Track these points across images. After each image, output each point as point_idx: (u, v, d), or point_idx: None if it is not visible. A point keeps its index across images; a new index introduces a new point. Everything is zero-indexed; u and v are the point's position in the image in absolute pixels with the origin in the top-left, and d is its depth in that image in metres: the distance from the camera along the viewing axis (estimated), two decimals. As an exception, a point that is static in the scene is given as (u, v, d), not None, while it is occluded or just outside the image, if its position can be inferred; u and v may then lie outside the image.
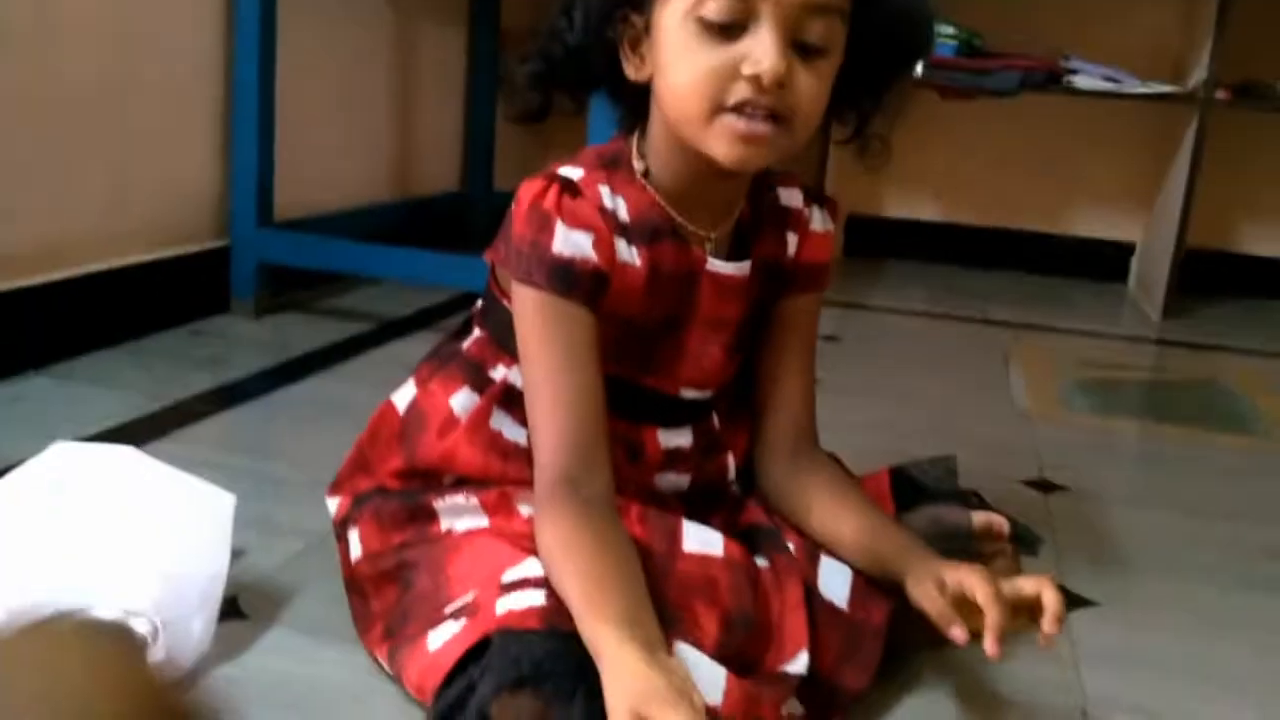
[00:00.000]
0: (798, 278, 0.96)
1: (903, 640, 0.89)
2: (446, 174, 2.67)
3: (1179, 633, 1.05)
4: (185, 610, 0.84)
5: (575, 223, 0.84)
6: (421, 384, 0.95)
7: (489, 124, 2.69)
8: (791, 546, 0.90)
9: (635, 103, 0.89)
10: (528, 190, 0.85)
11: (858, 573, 0.88)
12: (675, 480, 0.94)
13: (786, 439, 0.96)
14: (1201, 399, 1.93)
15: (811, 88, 0.80)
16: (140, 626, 0.79)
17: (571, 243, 0.83)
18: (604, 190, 0.86)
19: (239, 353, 1.71)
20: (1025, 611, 0.81)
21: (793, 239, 0.95)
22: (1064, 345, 2.23)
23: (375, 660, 0.86)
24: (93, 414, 1.38)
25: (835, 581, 0.88)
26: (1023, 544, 0.97)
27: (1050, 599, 0.80)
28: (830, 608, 0.87)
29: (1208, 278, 2.76)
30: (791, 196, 0.96)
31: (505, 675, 0.71)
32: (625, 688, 0.67)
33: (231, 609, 0.93)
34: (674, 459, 0.93)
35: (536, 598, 0.76)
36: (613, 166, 0.88)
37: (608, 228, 0.85)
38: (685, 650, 0.76)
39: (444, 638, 0.78)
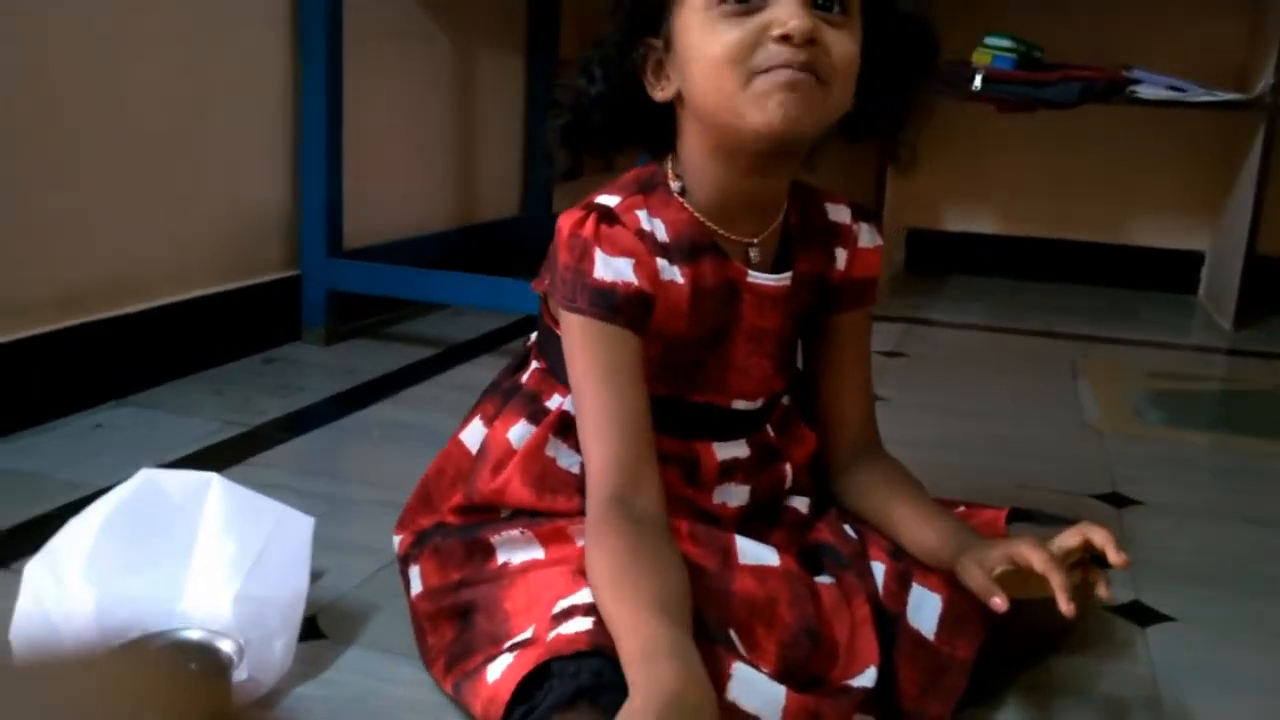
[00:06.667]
0: (847, 293, 0.97)
1: (990, 675, 0.89)
2: (507, 200, 2.70)
3: (1257, 649, 1.03)
4: (268, 631, 0.86)
5: (614, 250, 0.86)
6: (488, 422, 0.96)
7: (547, 150, 2.71)
8: (882, 569, 0.90)
9: (663, 133, 0.91)
10: (567, 220, 0.87)
11: (948, 604, 0.87)
12: (734, 491, 0.93)
13: (849, 452, 0.99)
14: (1276, 409, 1.89)
15: (841, 44, 0.81)
16: (225, 647, 0.82)
17: (612, 268, 0.85)
18: (641, 214, 0.88)
19: (310, 379, 1.74)
20: (1080, 566, 0.83)
21: (841, 254, 0.96)
22: (1133, 357, 2.19)
23: (442, 690, 0.88)
24: (172, 441, 1.42)
25: (924, 611, 0.88)
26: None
27: (1099, 536, 0.82)
28: (917, 637, 0.87)
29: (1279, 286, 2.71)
30: (839, 212, 0.97)
31: (564, 690, 0.72)
32: (654, 697, 0.66)
33: (311, 629, 0.96)
34: (731, 470, 0.93)
35: (584, 624, 0.76)
36: (649, 189, 0.90)
37: (647, 250, 0.87)
38: (743, 671, 0.76)
39: (501, 668, 0.78)
